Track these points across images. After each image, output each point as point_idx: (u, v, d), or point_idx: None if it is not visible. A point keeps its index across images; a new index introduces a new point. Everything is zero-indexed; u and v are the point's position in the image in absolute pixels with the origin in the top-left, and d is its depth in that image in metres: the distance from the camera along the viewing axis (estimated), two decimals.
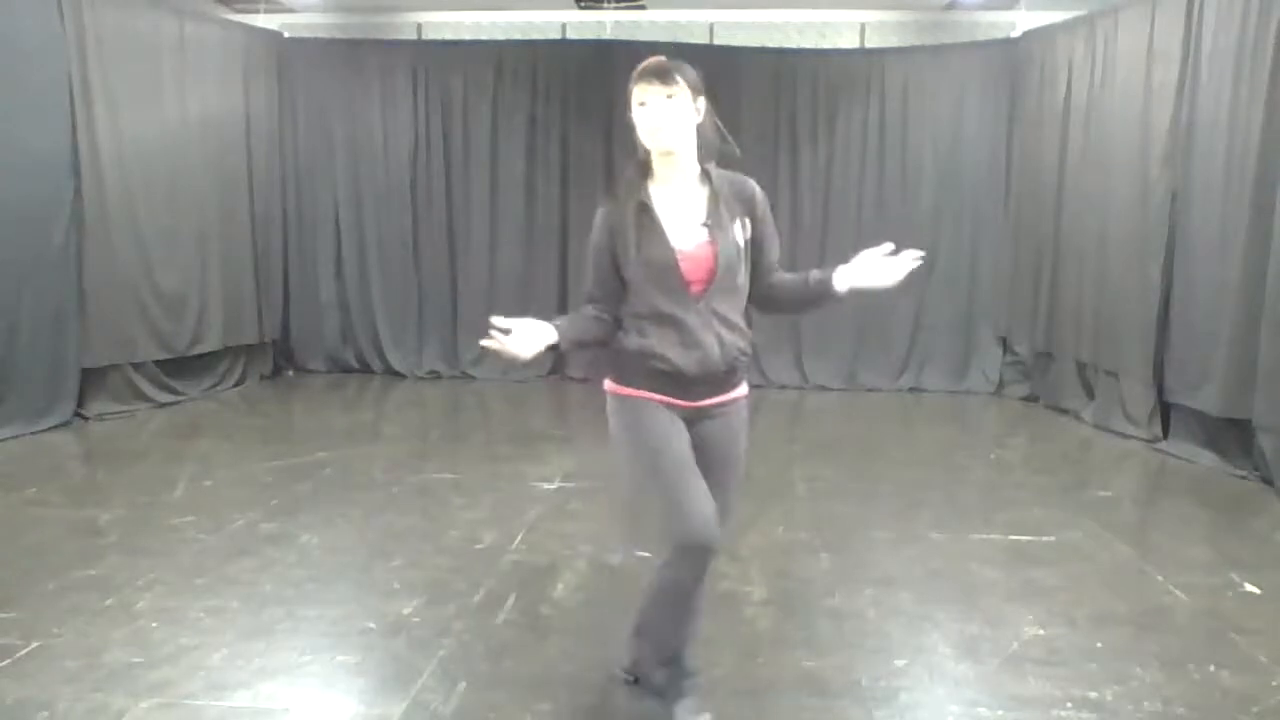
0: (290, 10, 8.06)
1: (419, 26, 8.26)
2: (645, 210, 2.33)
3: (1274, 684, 2.83)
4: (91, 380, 6.23)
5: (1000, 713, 2.65)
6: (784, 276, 2.49)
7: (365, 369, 8.23)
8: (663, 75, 2.27)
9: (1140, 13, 6.07)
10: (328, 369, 8.25)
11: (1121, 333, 6.18)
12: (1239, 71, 5.23)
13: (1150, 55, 5.96)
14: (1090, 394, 6.68)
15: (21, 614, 3.18)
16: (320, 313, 8.22)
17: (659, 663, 2.62)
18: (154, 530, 4.08)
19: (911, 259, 2.37)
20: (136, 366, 6.56)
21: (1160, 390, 5.87)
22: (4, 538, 3.96)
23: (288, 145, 8.06)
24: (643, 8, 7.95)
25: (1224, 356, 5.25)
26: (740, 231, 2.36)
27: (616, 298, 2.38)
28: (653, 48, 8.04)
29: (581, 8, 7.93)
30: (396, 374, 8.15)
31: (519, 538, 4.06)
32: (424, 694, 2.72)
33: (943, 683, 2.84)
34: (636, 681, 2.70)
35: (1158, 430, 5.87)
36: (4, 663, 2.84)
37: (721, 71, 7.92)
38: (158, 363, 6.76)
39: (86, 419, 6.11)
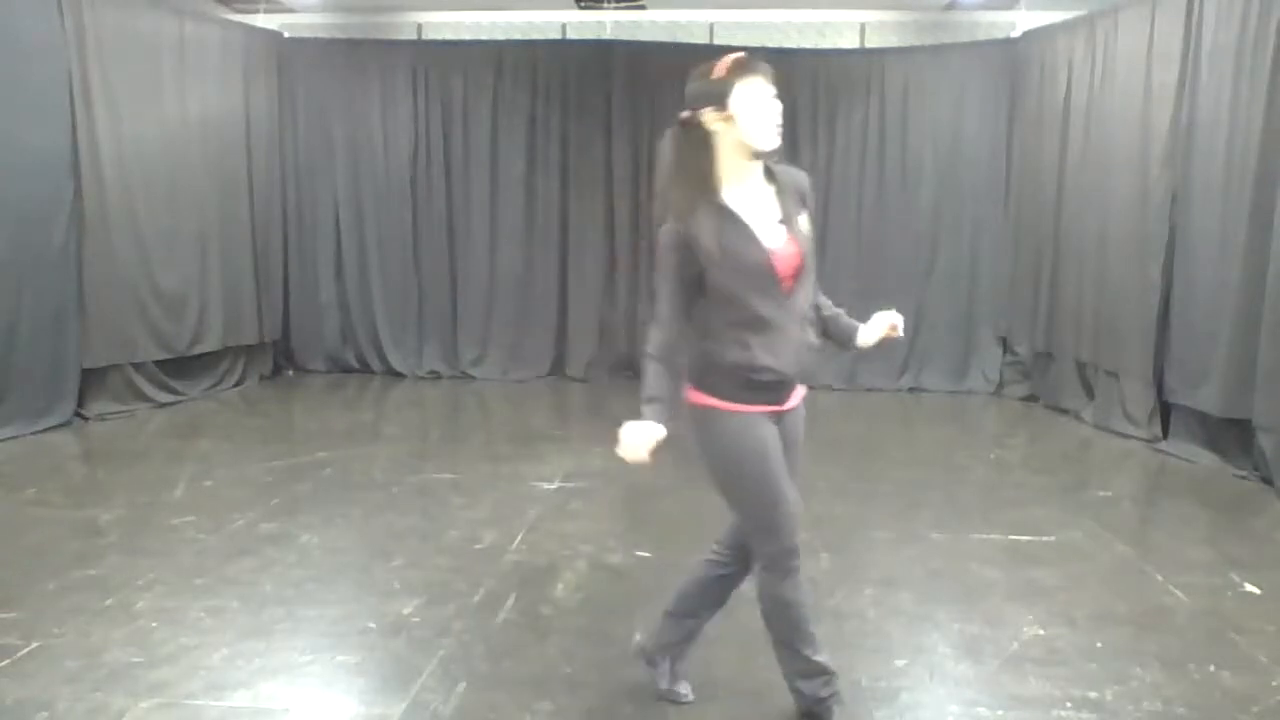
0: (290, 10, 8.06)
1: (419, 26, 8.25)
2: (726, 213, 2.26)
3: (1274, 684, 2.83)
4: (91, 380, 6.23)
5: (1000, 713, 2.65)
6: (825, 301, 2.57)
7: (365, 369, 8.23)
8: (771, 72, 2.27)
9: (1140, 13, 6.07)
10: (328, 369, 8.25)
11: (1121, 333, 6.18)
12: (1239, 71, 5.22)
13: (1150, 55, 5.95)
14: (1090, 394, 6.67)
15: (21, 614, 3.18)
16: (320, 313, 8.21)
17: (679, 652, 2.66)
18: (154, 530, 4.08)
19: (896, 329, 2.52)
20: (136, 366, 6.56)
21: (1160, 390, 5.87)
22: (4, 538, 3.96)
23: (288, 145, 8.06)
24: (643, 8, 7.95)
25: (1224, 356, 5.25)
26: (806, 222, 2.36)
27: (688, 313, 2.33)
28: (653, 48, 8.16)
29: (581, 8, 7.94)
30: (396, 374, 8.15)
31: (519, 538, 4.06)
32: (424, 694, 2.72)
33: (943, 683, 2.84)
34: (647, 663, 2.69)
35: (1158, 430, 5.87)
36: (4, 663, 2.84)
37: None
38: (158, 363, 6.76)
39: (86, 419, 6.11)
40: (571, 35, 8.15)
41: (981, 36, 7.81)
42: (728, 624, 3.22)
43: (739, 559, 2.54)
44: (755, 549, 2.42)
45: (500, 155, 8.06)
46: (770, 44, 7.98)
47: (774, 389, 2.34)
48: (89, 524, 4.17)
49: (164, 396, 6.71)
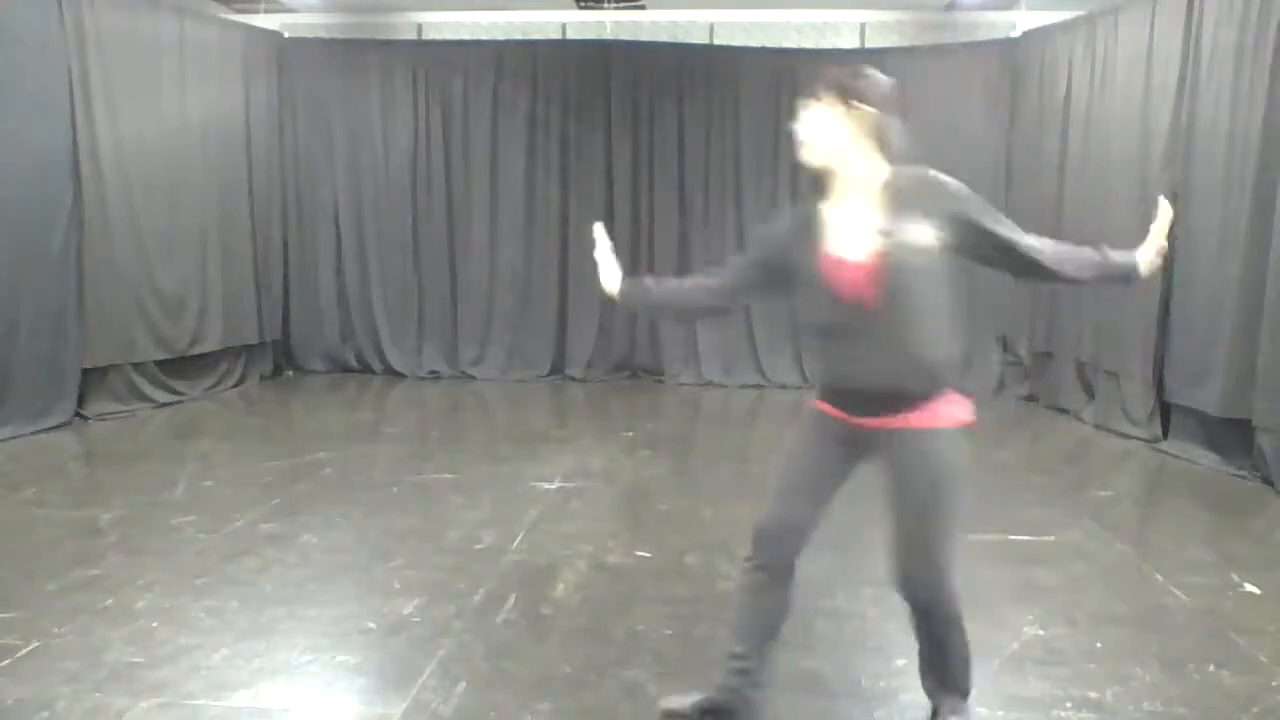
0: (290, 10, 8.06)
1: (419, 26, 8.25)
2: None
3: (1274, 684, 2.83)
4: (91, 380, 6.23)
5: (1000, 713, 2.65)
6: (1042, 245, 2.35)
7: (365, 369, 8.23)
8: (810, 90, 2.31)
9: (1140, 13, 6.07)
10: (328, 369, 8.26)
11: (1121, 333, 6.18)
12: (1239, 71, 5.23)
13: (1150, 55, 5.96)
14: (1090, 394, 6.67)
15: (21, 614, 3.18)
16: (320, 313, 8.22)
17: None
18: (154, 530, 4.08)
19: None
20: (136, 366, 6.56)
21: (1160, 390, 5.87)
22: (4, 538, 3.96)
23: (288, 145, 8.06)
24: (643, 8, 7.95)
25: (1224, 356, 5.25)
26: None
27: None
28: (653, 48, 8.15)
29: (581, 8, 7.93)
30: (396, 374, 8.15)
31: (519, 538, 4.06)
32: (424, 694, 2.72)
33: None
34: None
35: (1158, 430, 5.87)
36: (4, 663, 2.84)
37: (721, 71, 7.94)
38: (158, 363, 6.76)
39: (86, 419, 6.11)
40: (571, 35, 8.15)
41: (981, 36, 7.81)
42: (725, 625, 3.22)
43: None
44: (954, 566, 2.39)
45: (500, 155, 8.06)
46: (770, 44, 8.00)
47: (846, 402, 2.33)
48: (89, 524, 4.17)
49: (164, 396, 6.71)
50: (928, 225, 2.21)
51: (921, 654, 2.51)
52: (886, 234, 2.20)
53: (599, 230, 2.68)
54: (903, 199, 2.24)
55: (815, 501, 2.44)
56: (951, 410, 2.28)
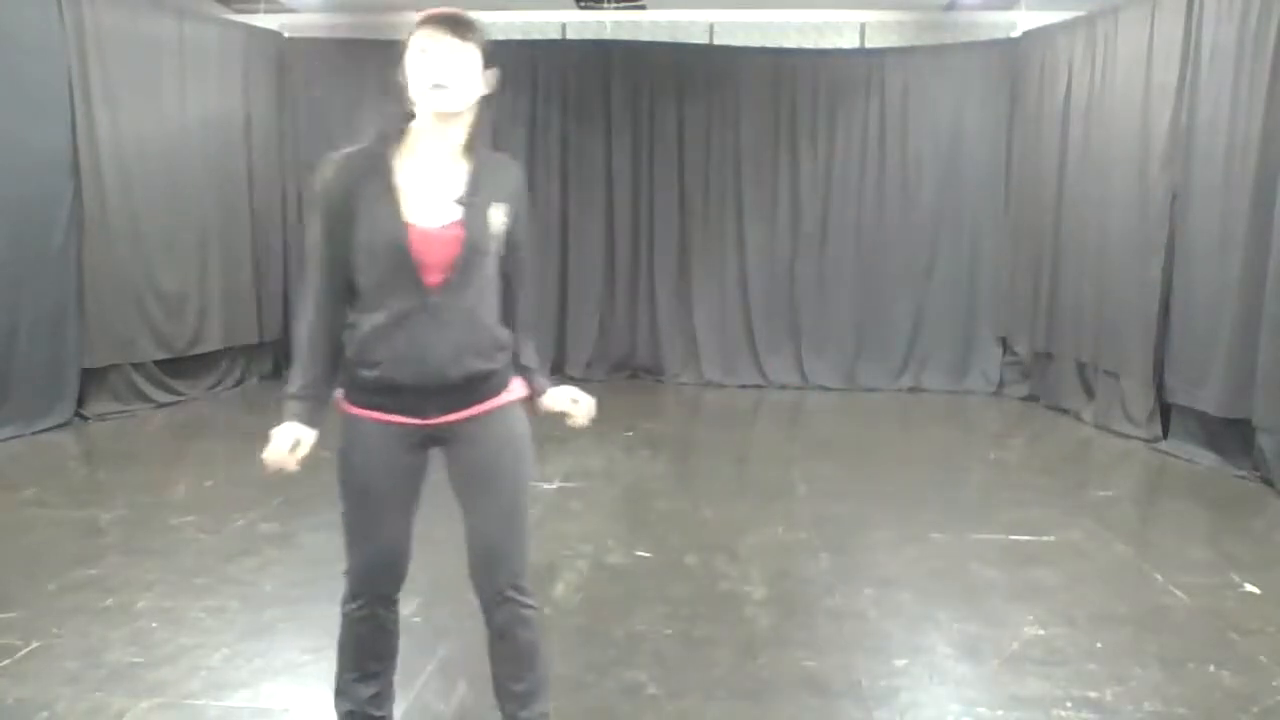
0: (290, 10, 8.05)
1: None
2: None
3: (1274, 684, 2.83)
4: (91, 380, 6.22)
5: (1000, 713, 2.65)
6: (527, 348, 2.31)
7: None
8: (448, 21, 1.92)
9: (1140, 13, 6.07)
10: None
11: (1121, 333, 6.19)
12: (1239, 71, 5.23)
13: (1150, 55, 5.96)
14: (1090, 394, 6.68)
15: (21, 614, 3.18)
16: None
17: None
18: (154, 530, 4.08)
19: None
20: (136, 366, 6.55)
21: (1160, 390, 5.87)
22: (4, 538, 3.96)
23: (288, 145, 8.05)
24: (643, 8, 7.95)
25: (1224, 356, 5.26)
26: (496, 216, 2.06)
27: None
28: (653, 48, 8.12)
29: (581, 8, 7.93)
30: None
31: None
32: (424, 694, 2.72)
33: (943, 683, 2.84)
34: None
35: (1158, 430, 5.87)
36: (4, 663, 2.84)
37: (721, 71, 7.95)
38: (158, 363, 6.75)
39: (86, 419, 6.10)
40: (571, 35, 8.15)
41: (982, 36, 7.80)
42: (728, 624, 3.23)
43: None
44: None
45: None
46: (770, 44, 8.00)
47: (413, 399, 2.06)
48: (89, 524, 4.17)
49: (164, 396, 6.71)
50: (500, 207, 2.05)
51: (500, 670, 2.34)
52: (469, 205, 2.01)
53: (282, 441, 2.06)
54: (484, 173, 2.05)
55: (406, 521, 2.32)
56: (514, 385, 2.27)
